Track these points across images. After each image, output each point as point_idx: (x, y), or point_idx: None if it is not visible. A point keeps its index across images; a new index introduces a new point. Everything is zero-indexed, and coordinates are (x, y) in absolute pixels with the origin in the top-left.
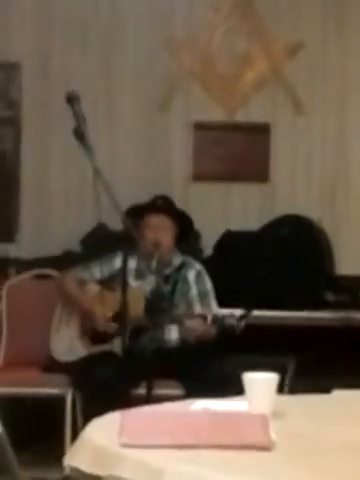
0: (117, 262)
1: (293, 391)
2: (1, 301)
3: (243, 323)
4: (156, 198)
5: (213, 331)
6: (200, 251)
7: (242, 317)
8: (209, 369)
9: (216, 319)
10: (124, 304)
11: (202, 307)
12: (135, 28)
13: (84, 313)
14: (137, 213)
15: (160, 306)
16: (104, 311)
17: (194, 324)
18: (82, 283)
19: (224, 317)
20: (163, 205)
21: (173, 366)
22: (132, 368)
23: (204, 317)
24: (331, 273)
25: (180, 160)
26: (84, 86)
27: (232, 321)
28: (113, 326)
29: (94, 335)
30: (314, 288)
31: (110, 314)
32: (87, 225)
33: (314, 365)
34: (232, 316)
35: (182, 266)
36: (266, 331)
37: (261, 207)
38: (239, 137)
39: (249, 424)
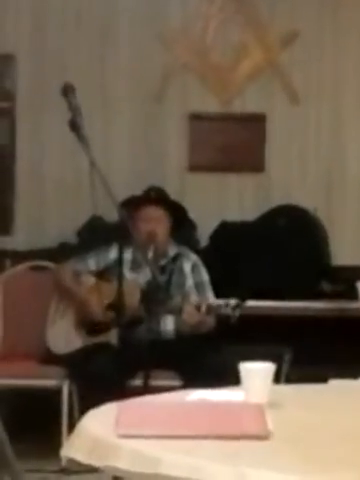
0: (112, 254)
1: (289, 381)
2: None
3: (237, 312)
4: (149, 190)
5: (212, 322)
6: (196, 242)
7: (236, 306)
8: (206, 359)
9: (210, 309)
10: (120, 295)
11: (199, 298)
12: (130, 19)
13: (80, 304)
14: (131, 206)
15: (156, 297)
16: (100, 301)
17: (186, 315)
18: (78, 275)
19: (218, 306)
20: (156, 197)
21: (170, 357)
22: (128, 359)
23: (198, 307)
24: (327, 263)
25: (175, 151)
26: (79, 78)
27: (227, 310)
28: (109, 315)
29: (90, 327)
30: (310, 278)
31: (106, 303)
32: (82, 217)
33: (310, 355)
34: (227, 305)
35: (177, 257)
36: (262, 321)
37: (257, 197)
38: (234, 127)
39: (246, 414)
